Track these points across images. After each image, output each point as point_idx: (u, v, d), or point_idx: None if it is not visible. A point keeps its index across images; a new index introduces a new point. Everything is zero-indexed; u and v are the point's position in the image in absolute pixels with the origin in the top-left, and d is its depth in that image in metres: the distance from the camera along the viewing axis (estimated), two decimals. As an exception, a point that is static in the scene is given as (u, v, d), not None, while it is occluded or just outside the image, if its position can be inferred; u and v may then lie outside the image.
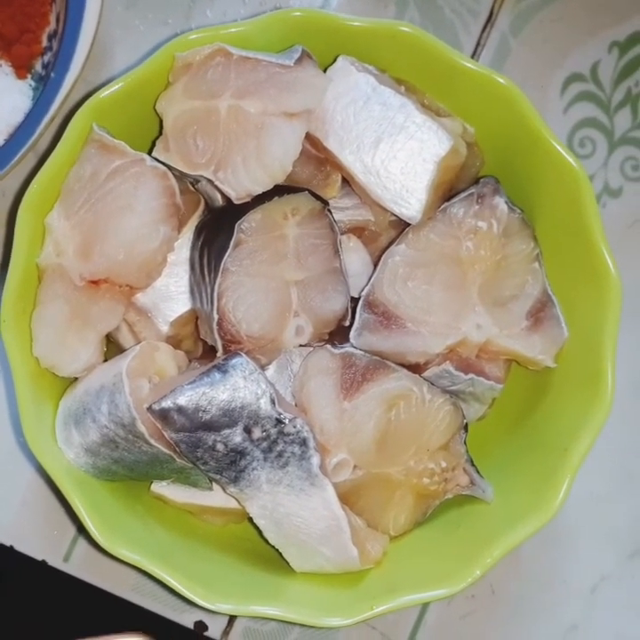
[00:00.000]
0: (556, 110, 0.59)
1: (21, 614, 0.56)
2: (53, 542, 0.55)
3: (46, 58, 0.56)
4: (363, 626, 0.53)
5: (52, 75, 0.52)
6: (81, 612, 0.56)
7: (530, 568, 0.56)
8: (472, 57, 0.59)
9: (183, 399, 0.44)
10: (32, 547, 0.55)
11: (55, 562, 0.55)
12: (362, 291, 0.49)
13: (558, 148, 0.48)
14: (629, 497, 0.57)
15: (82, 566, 0.55)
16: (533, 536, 0.46)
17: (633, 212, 0.59)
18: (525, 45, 0.60)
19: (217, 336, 0.47)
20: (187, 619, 0.55)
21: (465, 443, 0.49)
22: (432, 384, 0.48)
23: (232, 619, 0.55)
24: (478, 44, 0.60)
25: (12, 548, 0.55)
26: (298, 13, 0.48)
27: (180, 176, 0.48)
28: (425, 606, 0.55)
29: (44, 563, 0.55)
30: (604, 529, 0.56)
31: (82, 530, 0.55)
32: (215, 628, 0.55)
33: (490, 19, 0.60)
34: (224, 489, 0.47)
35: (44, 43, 0.56)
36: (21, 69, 0.56)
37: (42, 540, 0.55)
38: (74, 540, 0.55)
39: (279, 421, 0.45)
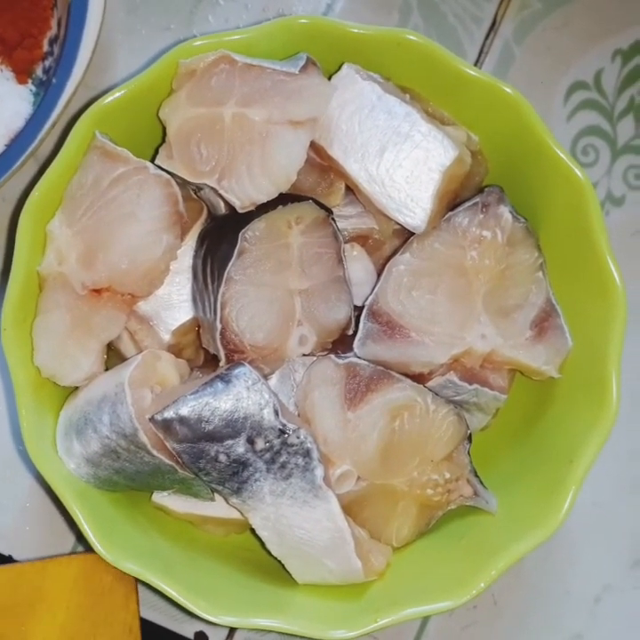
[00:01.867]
0: (559, 118, 0.59)
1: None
2: (53, 552, 0.55)
3: (47, 63, 0.55)
4: (364, 637, 0.52)
5: (54, 80, 0.52)
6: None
7: (532, 578, 0.56)
8: (475, 64, 0.59)
9: (186, 409, 0.44)
10: (31, 556, 0.55)
11: (54, 572, 0.55)
12: (365, 300, 0.49)
13: (563, 157, 0.48)
14: (633, 506, 0.57)
15: (81, 576, 0.55)
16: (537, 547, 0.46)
17: (635, 220, 0.59)
18: (529, 53, 0.60)
19: (220, 345, 0.46)
20: (187, 629, 0.55)
21: (468, 453, 0.49)
22: (436, 394, 0.48)
23: (233, 629, 0.55)
24: (481, 51, 0.60)
25: (10, 557, 0.55)
26: (303, 20, 0.48)
27: (183, 183, 0.48)
28: (426, 617, 0.55)
29: (42, 572, 0.55)
30: (608, 538, 0.56)
31: (81, 539, 0.55)
32: (216, 638, 0.55)
33: (493, 26, 0.60)
34: (226, 500, 0.47)
35: (45, 48, 0.56)
36: (22, 74, 0.55)
37: (41, 550, 0.55)
38: (73, 550, 0.55)
39: (282, 432, 0.45)
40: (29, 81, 0.56)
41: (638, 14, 0.60)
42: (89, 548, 0.46)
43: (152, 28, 0.59)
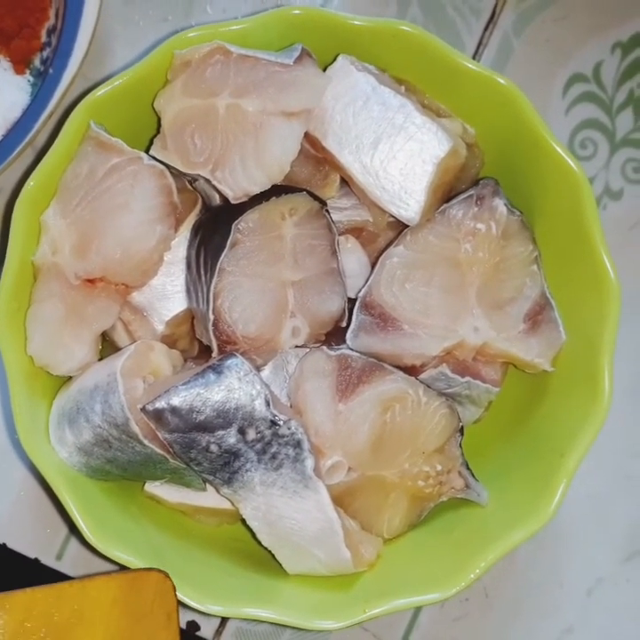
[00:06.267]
0: (557, 111, 0.59)
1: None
2: (46, 540, 0.55)
3: (45, 53, 0.55)
4: (355, 627, 0.53)
5: (51, 71, 0.52)
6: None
7: (525, 570, 0.56)
8: (474, 57, 0.59)
9: (177, 400, 0.44)
10: (25, 545, 0.55)
11: (48, 560, 0.55)
12: (359, 292, 0.49)
13: (559, 150, 0.48)
14: (626, 499, 0.57)
15: (74, 564, 0.55)
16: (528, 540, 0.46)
17: (633, 214, 0.59)
18: (528, 45, 0.59)
19: (212, 336, 0.46)
20: (179, 618, 0.55)
21: (460, 446, 0.49)
22: (428, 386, 0.48)
23: (224, 619, 0.55)
24: (480, 43, 0.59)
25: (4, 545, 0.55)
26: (298, 11, 0.48)
27: (178, 174, 0.48)
28: (418, 609, 0.55)
29: (36, 561, 0.55)
30: (600, 531, 0.56)
31: (74, 528, 0.55)
32: (207, 628, 0.55)
33: (492, 18, 0.59)
34: (217, 490, 0.47)
35: (43, 38, 0.56)
36: (20, 65, 0.55)
37: (35, 538, 0.55)
38: (67, 539, 0.55)
39: (274, 423, 0.45)
40: (27, 71, 0.56)
41: (638, 6, 0.59)
42: (82, 539, 0.46)
43: (149, 19, 0.59)
